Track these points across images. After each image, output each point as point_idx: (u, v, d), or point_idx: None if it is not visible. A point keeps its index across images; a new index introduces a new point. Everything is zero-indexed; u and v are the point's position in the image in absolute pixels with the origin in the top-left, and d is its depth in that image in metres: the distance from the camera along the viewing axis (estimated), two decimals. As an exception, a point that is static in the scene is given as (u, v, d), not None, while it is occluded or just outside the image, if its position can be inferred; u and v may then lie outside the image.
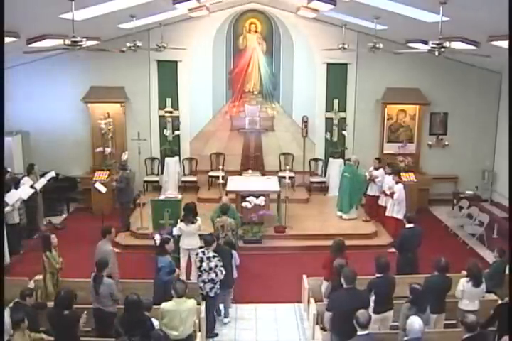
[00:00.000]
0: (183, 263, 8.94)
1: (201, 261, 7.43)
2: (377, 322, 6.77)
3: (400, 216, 10.20)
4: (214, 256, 7.43)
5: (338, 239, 7.73)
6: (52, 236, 7.71)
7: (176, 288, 6.33)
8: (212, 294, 7.43)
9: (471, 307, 6.90)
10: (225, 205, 9.32)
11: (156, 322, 6.12)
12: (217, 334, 7.70)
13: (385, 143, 13.65)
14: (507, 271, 7.64)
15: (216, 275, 7.36)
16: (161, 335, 5.56)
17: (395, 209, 10.66)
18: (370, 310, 6.65)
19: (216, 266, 7.36)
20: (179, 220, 8.92)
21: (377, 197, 11.67)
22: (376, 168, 11.86)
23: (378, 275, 6.84)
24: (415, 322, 5.52)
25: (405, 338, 5.59)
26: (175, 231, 8.76)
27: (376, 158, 12.33)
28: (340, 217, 11.85)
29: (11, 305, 6.35)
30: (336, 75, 13.57)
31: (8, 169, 10.87)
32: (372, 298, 6.74)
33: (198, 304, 7.17)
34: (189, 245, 8.82)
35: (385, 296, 6.81)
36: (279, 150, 13.95)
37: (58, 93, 13.19)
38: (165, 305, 6.33)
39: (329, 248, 7.71)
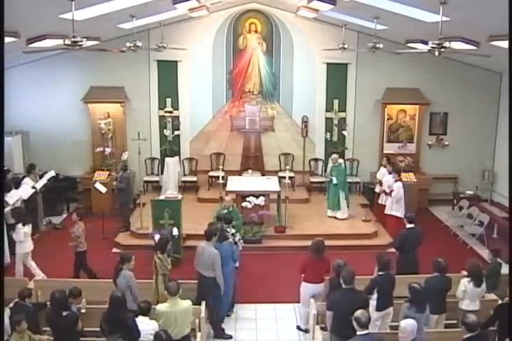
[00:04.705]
0: (20, 267, 8.67)
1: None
2: (379, 319, 6.82)
3: (400, 214, 10.21)
4: (237, 231, 8.58)
5: (317, 239, 7.69)
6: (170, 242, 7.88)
7: (169, 287, 6.16)
8: (237, 265, 8.18)
9: (472, 307, 6.90)
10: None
11: (155, 325, 6.02)
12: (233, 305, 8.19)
13: (385, 143, 13.66)
14: (502, 272, 7.59)
15: (238, 247, 8.26)
16: (164, 337, 5.52)
17: (394, 208, 10.64)
18: (372, 308, 6.68)
19: (239, 239, 8.40)
20: (20, 224, 8.65)
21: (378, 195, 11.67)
22: (390, 172, 11.14)
23: (380, 273, 6.86)
24: (408, 324, 5.51)
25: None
26: (21, 237, 8.58)
27: (387, 161, 11.80)
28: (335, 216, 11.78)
29: (11, 305, 6.33)
30: (336, 75, 13.57)
31: (6, 167, 10.84)
32: (374, 296, 6.76)
33: (198, 304, 7.15)
34: (31, 247, 8.84)
35: (387, 294, 6.84)
36: (279, 150, 13.95)
37: (58, 93, 13.21)
38: (160, 307, 6.18)
39: (309, 248, 7.69)
